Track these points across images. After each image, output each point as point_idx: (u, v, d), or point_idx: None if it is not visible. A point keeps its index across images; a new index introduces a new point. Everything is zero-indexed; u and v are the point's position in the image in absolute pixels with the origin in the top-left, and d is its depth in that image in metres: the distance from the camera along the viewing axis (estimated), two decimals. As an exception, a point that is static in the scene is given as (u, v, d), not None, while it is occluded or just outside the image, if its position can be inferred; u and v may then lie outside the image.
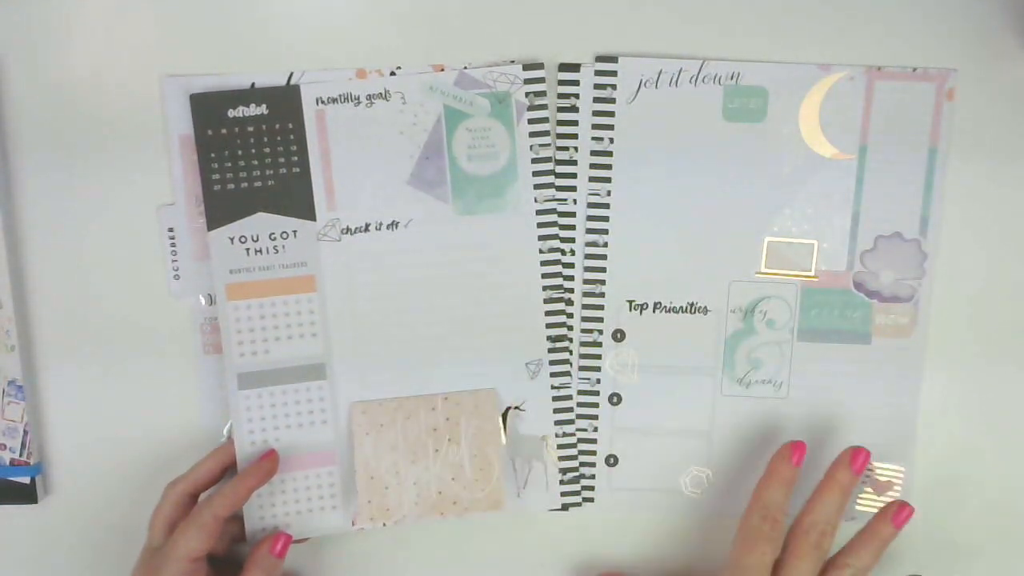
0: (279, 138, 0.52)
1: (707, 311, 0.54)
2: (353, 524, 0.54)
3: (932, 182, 0.53)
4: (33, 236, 0.54)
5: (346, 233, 0.53)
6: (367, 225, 0.53)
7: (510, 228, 0.53)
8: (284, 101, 0.52)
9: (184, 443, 0.55)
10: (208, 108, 0.51)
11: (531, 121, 0.53)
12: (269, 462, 0.51)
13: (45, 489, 0.55)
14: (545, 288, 0.54)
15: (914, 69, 0.52)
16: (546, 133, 0.53)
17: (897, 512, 0.49)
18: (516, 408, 0.54)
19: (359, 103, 0.52)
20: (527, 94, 0.53)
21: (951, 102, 0.53)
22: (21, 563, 0.56)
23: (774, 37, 0.53)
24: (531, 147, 0.53)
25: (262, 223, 0.52)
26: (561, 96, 0.53)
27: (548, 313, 0.54)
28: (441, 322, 0.54)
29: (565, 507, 0.55)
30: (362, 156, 0.52)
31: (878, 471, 0.55)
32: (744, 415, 0.55)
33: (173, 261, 0.53)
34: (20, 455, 0.54)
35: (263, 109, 0.51)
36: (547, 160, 0.53)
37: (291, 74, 0.52)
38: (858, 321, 0.54)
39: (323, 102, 0.52)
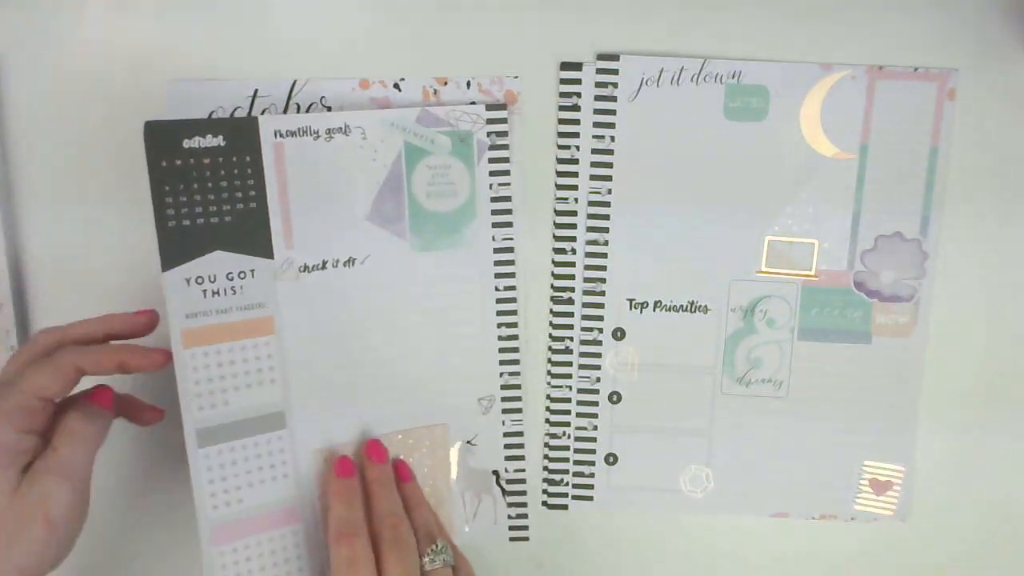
0: (236, 171, 0.49)
1: (707, 310, 0.54)
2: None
3: (933, 182, 0.53)
4: (33, 237, 0.53)
5: (304, 271, 0.51)
6: (324, 262, 0.51)
7: (467, 265, 0.53)
8: (242, 132, 0.49)
9: (182, 442, 0.55)
10: (163, 137, 0.48)
11: (491, 160, 0.53)
12: (145, 317, 0.48)
13: (44, 488, 0.55)
14: (499, 325, 0.54)
15: (915, 69, 0.52)
16: (506, 172, 0.53)
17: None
18: (468, 443, 0.55)
19: (318, 136, 0.51)
20: (489, 134, 0.52)
21: (952, 102, 0.53)
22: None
23: (776, 36, 0.52)
24: (491, 186, 0.53)
25: (219, 262, 0.49)
26: (563, 95, 0.53)
27: (502, 350, 0.54)
28: (396, 359, 0.53)
29: (512, 540, 0.56)
30: (321, 191, 0.51)
31: (878, 471, 0.55)
32: (744, 414, 0.55)
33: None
34: (19, 454, 0.54)
35: (220, 140, 0.49)
36: (506, 199, 0.53)
37: (295, 82, 0.52)
38: (858, 321, 0.54)
39: (282, 135, 0.50)
